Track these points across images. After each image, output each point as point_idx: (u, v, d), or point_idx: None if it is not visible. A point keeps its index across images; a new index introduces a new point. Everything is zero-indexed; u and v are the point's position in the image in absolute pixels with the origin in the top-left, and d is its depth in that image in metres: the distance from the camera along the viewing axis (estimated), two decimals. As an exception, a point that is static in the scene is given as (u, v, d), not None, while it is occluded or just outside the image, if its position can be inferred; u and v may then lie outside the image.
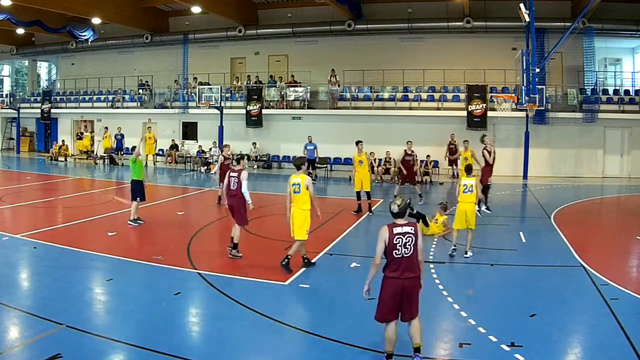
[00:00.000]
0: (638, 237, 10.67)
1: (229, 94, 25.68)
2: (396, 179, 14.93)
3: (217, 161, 14.88)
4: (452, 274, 8.41)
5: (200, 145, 24.90)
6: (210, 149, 23.74)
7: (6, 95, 31.91)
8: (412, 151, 14.72)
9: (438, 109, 22.38)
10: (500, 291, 7.60)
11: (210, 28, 26.54)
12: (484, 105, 21.18)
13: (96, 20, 25.43)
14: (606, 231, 12.25)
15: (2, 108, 30.54)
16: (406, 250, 4.95)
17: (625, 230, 11.74)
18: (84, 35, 27.43)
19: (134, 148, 12.23)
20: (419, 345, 5.11)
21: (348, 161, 22.30)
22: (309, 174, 8.61)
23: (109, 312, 6.61)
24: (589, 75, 21.58)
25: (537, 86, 18.87)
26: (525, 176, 20.49)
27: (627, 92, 21.89)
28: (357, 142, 13.06)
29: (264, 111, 24.27)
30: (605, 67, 23.41)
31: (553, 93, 22.01)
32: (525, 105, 18.86)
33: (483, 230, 10.28)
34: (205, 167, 23.02)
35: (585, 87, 21.45)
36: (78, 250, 9.15)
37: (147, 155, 24.36)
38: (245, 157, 10.43)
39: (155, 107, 27.23)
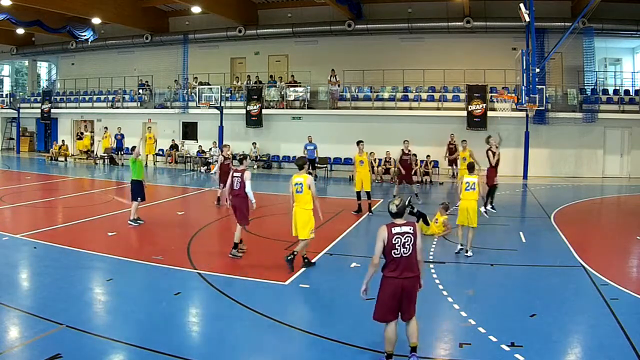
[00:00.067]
0: (638, 237, 10.67)
1: (229, 94, 25.69)
2: (395, 179, 14.94)
3: (217, 161, 14.88)
4: (452, 274, 8.41)
5: (200, 145, 24.90)
6: (210, 149, 23.74)
7: (6, 95, 31.91)
8: (410, 150, 14.72)
9: (438, 109, 22.39)
10: (500, 291, 7.60)
11: (210, 28, 26.55)
12: (484, 105, 21.18)
13: (96, 20, 25.43)
14: (606, 231, 12.25)
15: (2, 108, 30.55)
16: (405, 250, 4.95)
17: (625, 230, 11.74)
18: (84, 35, 27.43)
19: (133, 148, 12.22)
20: (416, 344, 5.13)
21: (348, 161, 22.32)
22: (309, 173, 8.62)
23: (109, 312, 6.61)
24: (589, 75, 21.58)
25: (537, 86, 18.87)
26: (525, 176, 20.49)
27: (627, 92, 21.89)
28: (358, 142, 13.06)
29: (264, 111, 24.28)
30: (605, 67, 23.42)
31: (553, 93, 22.01)
32: (525, 105, 18.86)
33: (483, 230, 10.28)
34: (205, 167, 23.03)
35: (585, 87, 21.45)
36: (78, 250, 9.15)
37: (147, 155, 24.38)
38: (248, 157, 10.45)
39: (155, 107, 27.24)
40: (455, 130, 20.09)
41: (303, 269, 8.18)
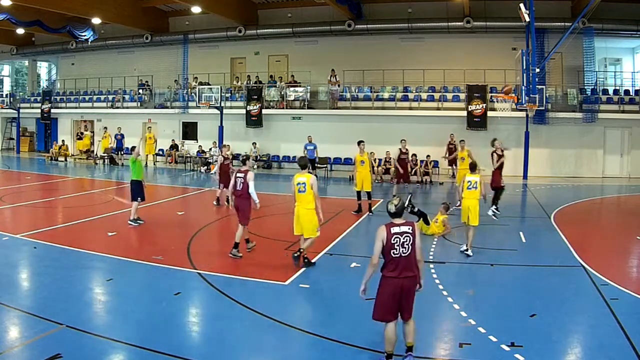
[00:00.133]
0: (638, 237, 10.67)
1: (229, 94, 25.69)
2: (394, 179, 14.97)
3: (217, 161, 14.89)
4: (452, 274, 8.41)
5: (200, 145, 24.90)
6: (210, 149, 23.74)
7: (6, 95, 31.91)
8: (407, 149, 14.73)
9: (438, 109, 22.39)
10: (500, 291, 7.60)
11: (210, 28, 26.55)
12: (484, 105, 21.19)
13: (96, 20, 25.43)
14: (606, 231, 12.25)
15: (2, 108, 30.55)
16: (404, 249, 4.96)
17: (625, 230, 11.74)
18: (84, 35, 27.43)
19: (133, 148, 12.22)
20: (412, 344, 5.17)
21: (348, 161, 22.32)
22: (309, 173, 8.65)
23: (109, 312, 6.61)
24: (589, 75, 21.58)
25: (537, 86, 18.87)
26: (525, 176, 20.49)
27: (627, 92, 21.89)
28: (359, 142, 13.07)
29: (264, 111, 24.28)
30: (605, 67, 23.42)
31: (553, 93, 22.02)
32: (525, 105, 18.86)
33: (483, 230, 10.28)
34: (205, 167, 23.03)
35: (585, 87, 21.46)
36: (78, 250, 9.15)
37: (147, 155, 24.39)
38: (251, 158, 10.49)
39: (155, 107, 27.23)
40: (455, 130, 20.08)
41: (303, 269, 8.18)
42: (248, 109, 24.32)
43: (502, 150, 12.58)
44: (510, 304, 7.03)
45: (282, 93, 24.52)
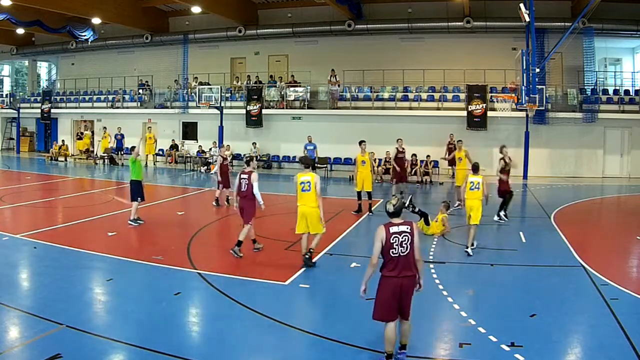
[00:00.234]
0: (638, 237, 10.67)
1: (229, 94, 25.69)
2: (393, 179, 14.97)
3: (216, 161, 14.89)
4: (452, 274, 8.41)
5: (200, 145, 24.90)
6: (210, 149, 23.74)
7: (6, 95, 31.91)
8: (404, 149, 14.78)
9: (438, 109, 22.39)
10: (500, 291, 7.60)
11: (210, 28, 26.55)
12: (484, 105, 21.18)
13: (96, 20, 25.44)
14: (606, 231, 12.25)
15: (2, 108, 30.55)
16: (403, 249, 4.98)
17: (625, 230, 11.74)
18: (84, 35, 27.44)
19: (133, 148, 12.23)
20: (406, 343, 5.24)
21: (348, 161, 22.33)
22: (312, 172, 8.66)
23: (109, 312, 6.61)
24: (589, 75, 21.58)
25: (537, 86, 18.87)
26: (525, 176, 20.48)
27: (627, 92, 21.89)
28: (361, 142, 13.08)
29: (264, 111, 24.28)
30: (605, 67, 23.42)
31: (553, 93, 22.01)
32: (525, 105, 18.86)
33: (483, 230, 10.29)
34: (205, 167, 23.03)
35: (585, 87, 21.46)
36: (78, 250, 9.15)
37: (147, 155, 24.40)
38: (254, 158, 10.53)
39: (155, 107, 27.24)
40: (455, 131, 20.07)
41: (303, 269, 8.18)
42: (248, 109, 24.32)
43: (510, 159, 12.56)
44: (510, 304, 7.03)
45: (282, 93, 24.52)
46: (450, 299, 6.97)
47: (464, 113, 21.50)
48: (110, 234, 10.55)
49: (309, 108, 24.02)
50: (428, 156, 20.55)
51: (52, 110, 29.24)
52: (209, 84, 25.21)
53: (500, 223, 12.00)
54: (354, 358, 5.39)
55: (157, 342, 5.54)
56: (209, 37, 26.91)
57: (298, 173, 8.38)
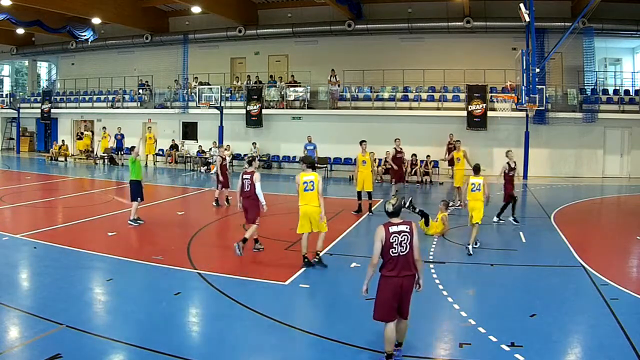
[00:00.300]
0: (638, 237, 10.67)
1: (229, 94, 25.69)
2: (392, 179, 14.97)
3: (216, 162, 14.90)
4: (452, 274, 8.41)
5: (200, 145, 24.90)
6: (210, 149, 23.74)
7: (6, 95, 31.91)
8: (401, 148, 14.80)
9: (438, 109, 22.39)
10: (500, 291, 7.60)
11: (210, 28, 26.55)
12: (484, 105, 21.18)
13: (96, 20, 25.44)
14: (606, 231, 12.25)
15: (2, 108, 30.55)
16: (402, 248, 5.00)
17: (625, 230, 11.74)
18: (84, 35, 27.44)
19: (133, 148, 12.24)
20: (402, 341, 5.29)
21: (348, 161, 22.33)
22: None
23: (109, 312, 6.61)
24: (589, 75, 21.59)
25: (537, 86, 18.86)
26: (525, 176, 20.48)
27: (627, 92, 21.89)
28: (361, 142, 13.09)
29: (264, 111, 24.28)
30: (605, 67, 23.42)
31: (553, 93, 22.01)
32: (525, 105, 18.85)
33: (483, 230, 10.28)
34: (205, 167, 23.03)
35: (585, 87, 21.46)
36: (78, 250, 9.15)
37: (147, 155, 24.41)
38: (257, 158, 10.57)
39: (155, 107, 27.24)
40: (455, 131, 20.08)
41: (303, 269, 8.18)
42: (248, 109, 24.32)
43: (515, 163, 12.55)
44: (510, 304, 7.03)
45: (282, 93, 24.52)
46: (450, 299, 6.97)
47: (464, 113, 21.50)
48: (110, 234, 10.55)
49: (309, 108, 24.02)
50: (428, 156, 20.55)
51: (52, 110, 29.24)
52: (209, 84, 25.21)
53: (500, 223, 11.99)
54: (354, 358, 5.39)
55: (157, 342, 5.54)
56: (209, 37, 26.91)
57: (300, 173, 8.36)
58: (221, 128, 24.56)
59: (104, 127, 26.23)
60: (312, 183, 8.13)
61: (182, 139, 26.51)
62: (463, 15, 22.37)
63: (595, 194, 17.80)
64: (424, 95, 22.86)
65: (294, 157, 23.64)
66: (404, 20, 23.48)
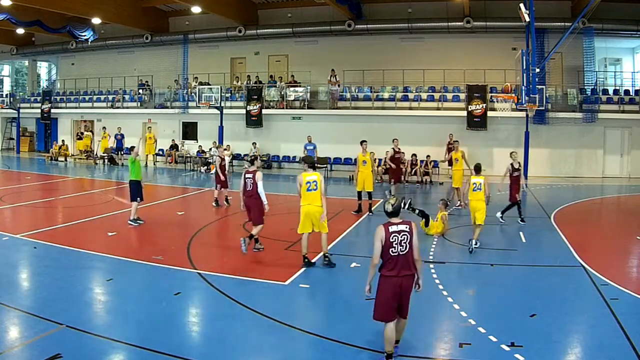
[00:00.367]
0: (638, 237, 10.67)
1: (229, 94, 25.69)
2: (391, 179, 14.96)
3: (215, 161, 14.91)
4: (452, 274, 8.41)
5: (200, 145, 24.90)
6: (211, 149, 23.73)
7: (6, 95, 31.91)
8: (399, 149, 14.82)
9: (438, 109, 22.39)
10: (500, 291, 7.60)
11: (210, 28, 26.55)
12: (484, 105, 21.19)
13: (96, 20, 25.44)
14: (606, 231, 12.25)
15: (2, 108, 30.56)
16: (402, 248, 5.01)
17: (625, 230, 11.74)
18: (84, 35, 27.44)
19: (132, 148, 12.24)
20: (399, 339, 5.33)
21: (348, 161, 22.34)
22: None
23: (109, 312, 6.61)
24: (589, 75, 21.59)
25: (537, 86, 18.86)
26: (525, 176, 20.41)
27: (627, 92, 21.89)
28: (362, 142, 13.10)
29: (264, 111, 24.28)
30: (605, 67, 23.42)
31: (553, 93, 22.01)
32: (525, 105, 18.85)
33: (483, 230, 10.27)
34: (205, 167, 23.02)
35: (585, 87, 21.46)
36: (78, 250, 9.15)
37: (147, 155, 24.42)
38: (258, 157, 10.61)
39: (155, 107, 27.24)
40: (455, 131, 20.09)
41: (303, 269, 8.18)
42: (248, 109, 24.32)
43: (520, 164, 12.54)
44: (510, 304, 7.02)
45: (282, 93, 24.52)
46: (450, 299, 6.97)
47: (464, 113, 21.50)
48: (110, 234, 10.55)
49: (309, 108, 24.02)
50: (428, 156, 20.55)
51: (52, 110, 29.25)
52: (209, 84, 25.21)
53: (501, 223, 11.99)
54: (354, 358, 5.39)
55: (157, 342, 5.54)
56: (209, 37, 26.91)
57: (302, 173, 8.36)
58: (221, 128, 24.56)
59: (104, 127, 26.25)
60: (315, 183, 8.15)
61: (182, 139, 26.51)
62: (463, 15, 22.37)
63: (595, 194, 17.80)
64: (424, 95, 22.86)
65: (294, 157, 23.65)
66: (404, 20, 23.48)
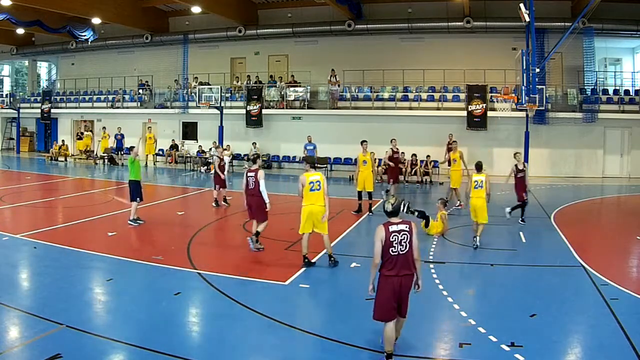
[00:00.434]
0: (638, 237, 10.67)
1: (229, 94, 25.69)
2: (390, 180, 14.95)
3: (214, 161, 14.92)
4: (452, 274, 8.41)
5: (200, 145, 24.90)
6: (211, 149, 23.73)
7: (6, 95, 31.91)
8: (398, 149, 14.85)
9: (438, 109, 22.39)
10: (500, 291, 7.60)
11: (210, 28, 26.55)
12: (484, 105, 21.19)
13: (96, 20, 25.44)
14: (606, 231, 12.25)
15: (2, 108, 30.55)
16: (402, 247, 5.02)
17: (625, 230, 11.74)
18: (84, 35, 27.44)
19: (132, 148, 12.24)
20: (397, 336, 5.36)
21: (348, 161, 22.34)
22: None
23: (109, 312, 6.61)
24: (589, 75, 21.59)
25: (537, 86, 18.86)
26: (525, 176, 20.46)
27: (627, 92, 21.88)
28: (362, 142, 13.11)
29: (264, 111, 24.28)
30: (605, 67, 23.41)
31: (553, 93, 22.01)
32: (525, 105, 18.84)
33: (484, 230, 10.27)
34: (205, 167, 23.02)
35: (585, 87, 21.46)
36: (78, 250, 9.15)
37: (147, 155, 24.42)
38: (260, 156, 10.68)
39: (155, 107, 27.24)
40: (455, 131, 20.08)
41: (303, 269, 8.18)
42: (248, 109, 24.32)
43: (525, 165, 12.55)
44: (510, 304, 7.02)
45: (282, 93, 24.52)
46: (450, 299, 6.97)
47: (464, 113, 21.49)
48: (110, 234, 10.55)
49: (309, 108, 24.02)
50: (428, 156, 20.55)
51: (52, 110, 29.24)
52: (209, 84, 25.20)
53: (501, 223, 11.98)
54: (354, 358, 5.39)
55: (157, 342, 5.54)
56: (209, 37, 26.91)
57: (305, 173, 8.35)
58: (221, 128, 24.56)
59: (104, 127, 26.26)
60: (318, 183, 8.17)
61: (182, 139, 26.50)
62: (463, 15, 22.37)
63: (595, 194, 17.80)
64: (424, 95, 22.86)
65: (294, 157, 23.65)
66: (404, 20, 23.48)
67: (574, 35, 19.44)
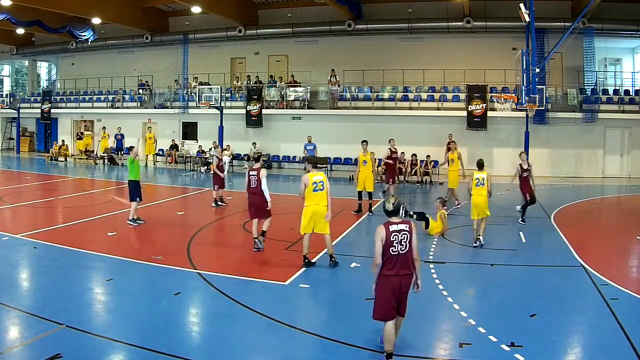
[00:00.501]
0: (638, 237, 10.67)
1: (229, 94, 25.69)
2: (388, 179, 14.95)
3: (214, 162, 14.93)
4: (452, 274, 8.41)
5: (200, 145, 24.90)
6: (211, 149, 23.72)
7: (6, 95, 31.91)
8: (396, 149, 14.89)
9: (438, 109, 22.39)
10: (500, 291, 7.60)
11: (210, 28, 26.56)
12: (484, 105, 21.19)
13: (96, 20, 25.44)
14: (606, 231, 12.25)
15: (2, 108, 30.55)
16: (402, 247, 5.03)
17: (625, 230, 11.74)
18: (84, 35, 27.44)
19: (132, 148, 12.23)
20: (396, 335, 5.32)
21: (348, 161, 22.33)
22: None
23: (109, 312, 6.61)
24: (589, 75, 21.59)
25: (537, 86, 18.86)
26: (525, 176, 20.45)
27: (627, 92, 21.89)
28: (363, 142, 13.12)
29: (264, 111, 24.28)
30: (605, 67, 23.41)
31: (553, 93, 22.01)
32: (525, 105, 18.85)
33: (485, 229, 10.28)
34: (205, 167, 23.00)
35: (585, 87, 21.46)
36: (78, 250, 9.15)
37: (147, 155, 24.41)
38: (261, 155, 10.73)
39: (155, 107, 27.25)
40: (455, 131, 20.09)
41: (303, 269, 8.18)
42: (248, 109, 24.32)
43: (529, 165, 12.59)
44: (510, 304, 7.02)
45: (282, 93, 24.52)
46: (450, 299, 6.97)
47: (464, 113, 21.50)
48: (110, 234, 10.55)
49: (309, 108, 24.02)
50: (428, 156, 20.54)
51: (52, 110, 29.25)
52: (209, 84, 25.20)
53: (501, 223, 11.99)
54: (354, 358, 5.39)
55: (157, 342, 5.54)
56: (209, 37, 26.91)
57: (307, 173, 8.33)
58: (221, 128, 24.56)
59: (104, 127, 26.26)
60: (322, 183, 8.18)
61: (182, 139, 26.51)
62: (463, 15, 22.37)
63: (595, 194, 17.80)
64: (424, 95, 22.86)
65: (294, 157, 23.65)
66: (403, 20, 23.48)
67: (574, 35, 19.44)
